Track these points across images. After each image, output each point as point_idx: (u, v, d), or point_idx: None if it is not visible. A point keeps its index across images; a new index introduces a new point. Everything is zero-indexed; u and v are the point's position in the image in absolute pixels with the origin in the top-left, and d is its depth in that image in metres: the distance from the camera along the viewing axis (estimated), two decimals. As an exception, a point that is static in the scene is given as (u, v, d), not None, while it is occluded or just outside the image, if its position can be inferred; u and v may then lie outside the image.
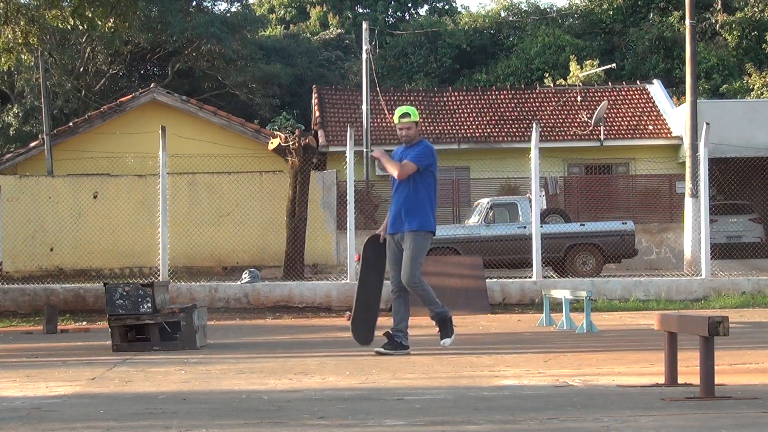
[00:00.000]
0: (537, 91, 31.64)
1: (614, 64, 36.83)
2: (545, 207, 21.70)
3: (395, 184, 9.02)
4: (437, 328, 9.05)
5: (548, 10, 47.58)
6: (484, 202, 21.62)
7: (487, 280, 15.53)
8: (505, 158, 27.22)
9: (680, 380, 6.31)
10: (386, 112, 29.57)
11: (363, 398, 6.04)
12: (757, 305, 15.37)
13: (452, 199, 26.76)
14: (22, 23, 16.31)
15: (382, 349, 8.60)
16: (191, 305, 10.09)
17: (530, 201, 17.33)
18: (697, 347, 5.89)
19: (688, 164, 20.52)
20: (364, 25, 29.29)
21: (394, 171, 8.88)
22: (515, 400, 5.85)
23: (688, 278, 16.78)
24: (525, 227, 19.53)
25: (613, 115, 29.99)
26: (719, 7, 40.87)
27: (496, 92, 31.58)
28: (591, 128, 29.09)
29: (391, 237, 8.97)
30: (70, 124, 27.93)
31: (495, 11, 47.38)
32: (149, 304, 9.60)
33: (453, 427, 4.92)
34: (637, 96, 30.97)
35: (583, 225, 21.57)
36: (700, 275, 16.44)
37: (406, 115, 8.99)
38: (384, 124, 29.22)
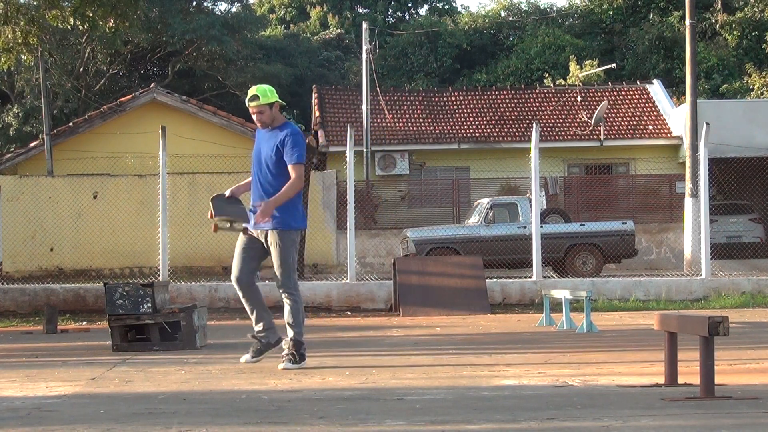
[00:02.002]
0: (537, 91, 31.64)
1: (614, 64, 36.83)
2: (545, 207, 21.69)
3: (255, 167, 8.04)
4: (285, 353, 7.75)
5: (548, 10, 47.61)
6: (484, 202, 21.63)
7: (487, 280, 15.52)
8: (505, 158, 27.23)
9: (680, 380, 6.31)
10: (386, 112, 29.58)
11: (363, 398, 6.04)
12: (757, 305, 15.37)
13: (452, 199, 26.79)
14: (22, 23, 16.30)
15: (249, 357, 7.85)
16: (191, 305, 10.09)
17: (530, 201, 17.33)
18: (697, 347, 5.89)
19: (688, 164, 20.51)
20: (364, 25, 29.30)
21: (293, 190, 7.77)
22: (515, 400, 5.85)
23: (688, 278, 16.77)
24: (525, 227, 19.53)
25: (613, 115, 29.99)
26: (719, 7, 40.88)
27: (496, 92, 31.58)
28: (591, 128, 29.10)
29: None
30: (70, 124, 27.93)
31: (495, 11, 47.39)
32: (149, 304, 9.60)
33: (453, 427, 4.92)
34: (637, 96, 30.97)
35: (583, 225, 21.58)
36: (700, 275, 16.44)
37: (254, 98, 7.84)
38: (384, 124, 29.23)
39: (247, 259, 7.82)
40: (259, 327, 7.83)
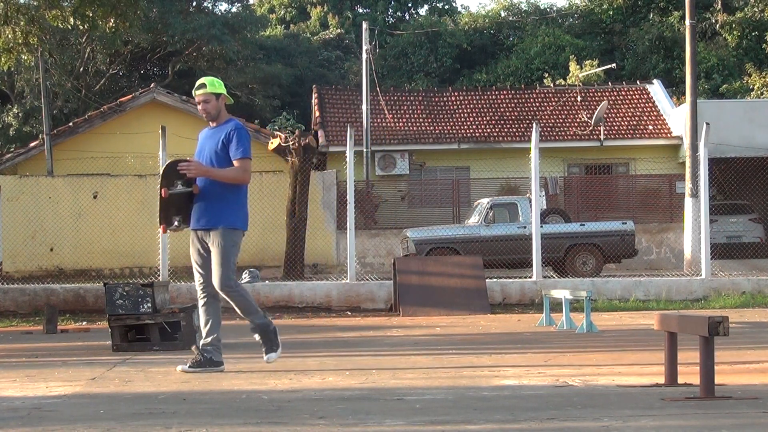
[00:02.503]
0: (537, 91, 31.64)
1: (614, 64, 36.83)
2: (545, 207, 21.70)
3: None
4: (262, 343, 7.63)
5: (548, 10, 47.60)
6: (484, 202, 21.63)
7: (487, 280, 15.53)
8: (505, 158, 27.23)
9: (680, 380, 6.31)
10: (386, 112, 29.57)
11: (363, 398, 6.04)
12: (757, 305, 15.37)
13: (452, 199, 26.79)
14: (22, 23, 16.30)
15: (186, 367, 7.45)
16: (191, 305, 10.09)
17: (530, 201, 17.33)
18: (697, 347, 5.89)
19: (688, 164, 20.52)
20: (364, 25, 29.30)
21: (233, 174, 7.47)
22: (515, 400, 5.85)
23: (688, 278, 16.78)
24: (525, 227, 19.53)
25: (613, 115, 29.99)
26: (719, 7, 40.85)
27: (496, 92, 31.58)
28: (591, 128, 29.09)
29: (195, 233, 7.63)
30: (70, 124, 27.94)
31: (495, 11, 47.38)
32: (149, 304, 9.60)
33: (453, 427, 4.92)
34: (637, 96, 30.97)
35: (583, 225, 21.58)
36: (700, 275, 16.44)
37: (201, 86, 7.58)
38: (384, 124, 29.23)
39: (206, 267, 7.54)
40: (207, 340, 7.50)
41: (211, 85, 7.59)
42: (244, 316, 7.58)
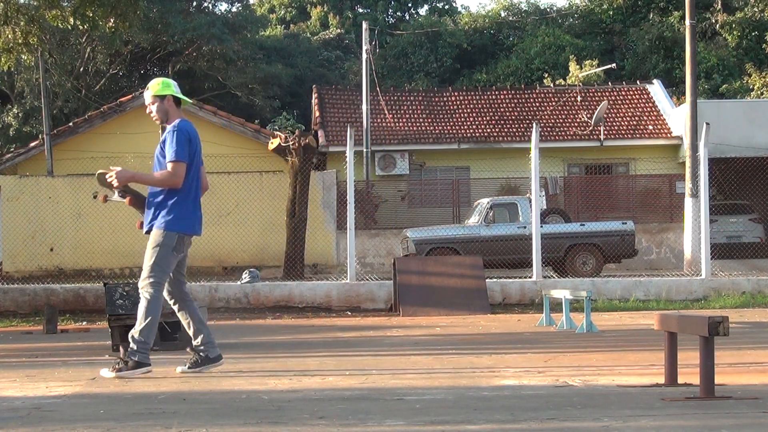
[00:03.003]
0: (537, 91, 31.64)
1: (614, 64, 36.83)
2: (545, 207, 21.70)
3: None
4: (121, 354, 7.48)
5: (548, 10, 47.62)
6: (484, 202, 21.63)
7: (487, 280, 15.52)
8: (505, 158, 27.22)
9: (680, 380, 6.31)
10: (386, 112, 29.57)
11: (363, 398, 6.04)
12: (757, 305, 15.37)
13: (452, 199, 26.79)
14: (22, 23, 16.30)
15: (186, 368, 7.39)
16: (191, 305, 10.08)
17: (530, 201, 17.33)
18: (697, 347, 5.89)
19: (688, 164, 20.52)
20: (364, 25, 29.29)
21: (160, 179, 7.28)
22: (515, 400, 5.85)
23: (688, 278, 16.77)
24: (525, 227, 19.53)
25: (613, 115, 30.00)
26: (719, 7, 40.87)
27: (496, 92, 31.59)
28: (591, 128, 29.10)
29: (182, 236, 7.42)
30: (70, 124, 27.94)
31: (495, 11, 47.39)
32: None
33: (453, 427, 4.92)
34: (637, 96, 30.97)
35: (583, 225, 21.57)
36: (700, 275, 16.44)
37: (146, 89, 7.42)
38: (384, 124, 29.23)
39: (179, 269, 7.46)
40: (197, 341, 7.41)
41: (153, 87, 7.40)
42: (138, 320, 7.26)
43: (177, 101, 7.44)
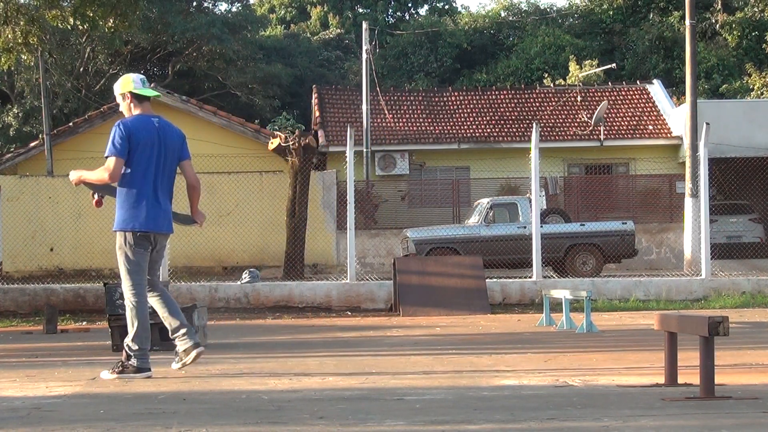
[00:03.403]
0: (537, 91, 31.64)
1: (614, 64, 36.83)
2: (545, 207, 21.70)
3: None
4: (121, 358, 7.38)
5: (548, 10, 47.61)
6: (484, 202, 21.63)
7: (487, 280, 15.53)
8: (505, 158, 27.22)
9: (680, 380, 6.31)
10: (386, 112, 29.57)
11: (363, 398, 6.04)
12: (757, 305, 15.37)
13: (452, 199, 26.79)
14: (22, 23, 16.30)
15: (177, 365, 7.39)
16: (191, 305, 10.09)
17: (530, 201, 17.33)
18: (697, 347, 5.89)
19: (688, 164, 20.52)
20: (364, 25, 29.30)
21: (96, 174, 7.32)
22: (515, 400, 5.85)
23: (688, 278, 16.78)
24: (525, 227, 19.53)
25: (613, 115, 30.00)
26: (719, 7, 40.88)
27: (496, 92, 31.59)
28: (591, 128, 29.10)
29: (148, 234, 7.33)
30: (70, 124, 27.93)
31: (495, 11, 47.39)
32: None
33: (453, 426, 4.92)
34: (637, 96, 30.97)
35: (583, 225, 21.57)
36: (700, 275, 16.44)
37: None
38: (384, 124, 29.23)
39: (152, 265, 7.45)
40: (175, 327, 7.40)
41: (115, 87, 7.41)
42: (128, 328, 7.26)
43: (140, 97, 7.32)
